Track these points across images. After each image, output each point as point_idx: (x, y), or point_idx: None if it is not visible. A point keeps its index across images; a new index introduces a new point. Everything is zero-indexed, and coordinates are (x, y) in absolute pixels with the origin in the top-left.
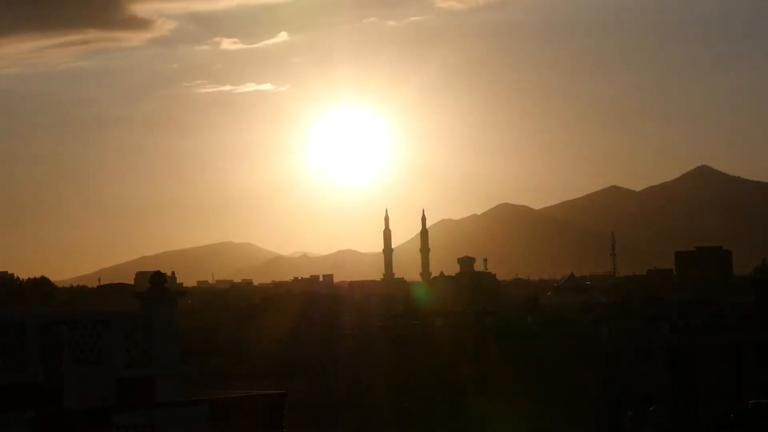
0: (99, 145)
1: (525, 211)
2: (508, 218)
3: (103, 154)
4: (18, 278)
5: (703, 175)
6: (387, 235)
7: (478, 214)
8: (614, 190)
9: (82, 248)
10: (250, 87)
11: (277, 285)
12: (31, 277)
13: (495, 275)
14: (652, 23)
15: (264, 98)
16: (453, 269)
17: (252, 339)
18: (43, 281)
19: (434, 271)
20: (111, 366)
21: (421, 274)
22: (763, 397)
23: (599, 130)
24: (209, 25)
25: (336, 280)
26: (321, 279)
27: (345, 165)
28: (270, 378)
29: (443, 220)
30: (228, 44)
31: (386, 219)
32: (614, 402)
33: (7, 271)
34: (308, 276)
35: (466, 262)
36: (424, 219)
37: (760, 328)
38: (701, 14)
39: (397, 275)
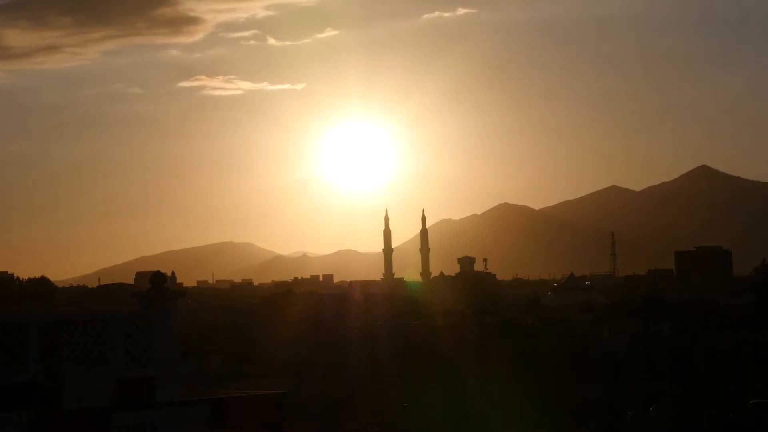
0: (100, 145)
1: (525, 211)
2: (508, 218)
3: (104, 153)
4: (18, 278)
5: (703, 175)
6: (387, 235)
7: (478, 214)
8: (614, 190)
9: (82, 248)
10: (284, 86)
11: (277, 285)
12: (31, 277)
13: (495, 275)
14: (652, 23)
15: (289, 98)
16: (453, 269)
17: (253, 340)
18: (43, 281)
19: (434, 271)
20: (111, 366)
21: (421, 274)
22: (763, 397)
23: (599, 130)
24: (261, 22)
25: (336, 280)
26: (321, 279)
27: (346, 167)
28: (272, 378)
29: (443, 220)
30: (276, 40)
31: (386, 219)
32: (614, 402)
33: (7, 271)
34: (308, 276)
35: (466, 262)
36: (424, 219)
37: (759, 328)
38: (702, 14)
39: (397, 275)
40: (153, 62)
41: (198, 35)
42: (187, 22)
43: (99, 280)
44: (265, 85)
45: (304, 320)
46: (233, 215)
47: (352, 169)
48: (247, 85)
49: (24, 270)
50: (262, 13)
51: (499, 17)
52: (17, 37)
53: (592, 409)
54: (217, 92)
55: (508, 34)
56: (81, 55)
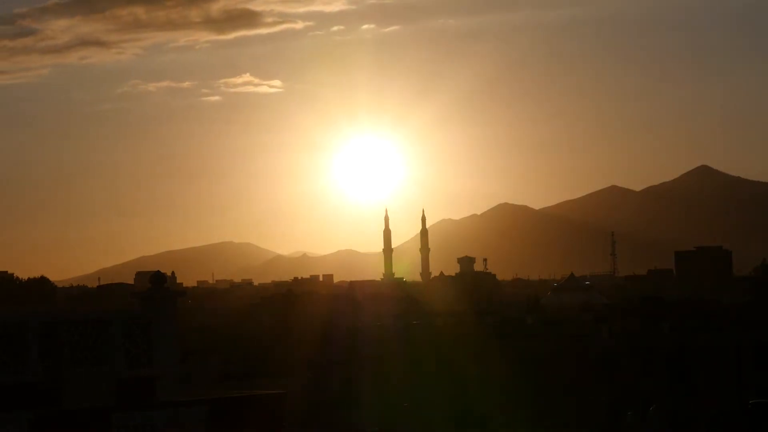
0: (102, 145)
1: (525, 211)
2: (508, 218)
3: (106, 153)
4: (18, 278)
5: (703, 175)
6: (387, 235)
7: (478, 214)
8: (614, 190)
9: (82, 248)
10: (307, 85)
11: (277, 285)
12: (31, 277)
13: (495, 275)
14: (652, 23)
15: (299, 98)
16: (453, 269)
17: (253, 340)
18: (43, 281)
19: (434, 271)
20: (111, 366)
21: (421, 274)
22: (763, 397)
23: (599, 130)
24: (319, 17)
25: (336, 280)
26: (321, 279)
27: (347, 168)
28: (271, 378)
29: (443, 220)
30: (330, 35)
31: (386, 219)
32: (614, 402)
33: (7, 271)
34: (308, 276)
35: (466, 262)
36: (424, 219)
37: (760, 328)
38: (702, 13)
39: (397, 275)
40: (193, 59)
41: (255, 29)
42: (244, 15)
43: (99, 280)
44: (292, 84)
45: (304, 321)
46: (233, 215)
47: (353, 169)
48: (278, 83)
49: (24, 270)
50: (321, 8)
51: (497, 20)
52: (66, 30)
53: (592, 409)
54: (246, 90)
55: (506, 37)
56: (123, 51)
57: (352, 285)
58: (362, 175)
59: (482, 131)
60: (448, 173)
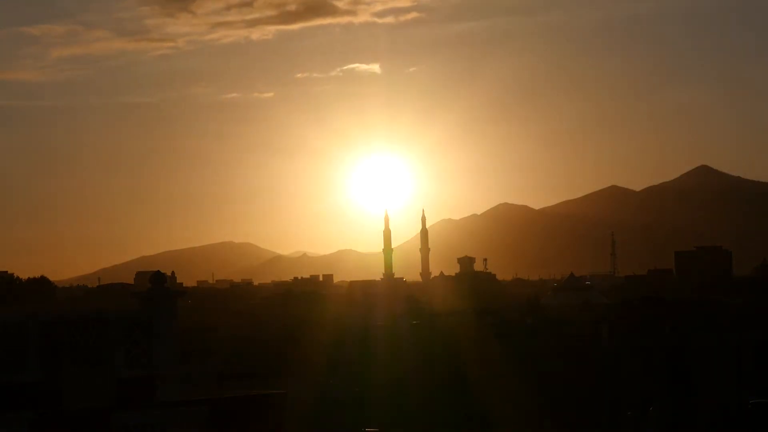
0: (101, 145)
1: (525, 210)
2: (508, 218)
3: (106, 153)
4: (18, 278)
5: (703, 175)
6: (387, 235)
7: (478, 214)
8: (614, 190)
9: (82, 248)
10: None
11: (277, 285)
12: (31, 277)
13: (495, 275)
14: (651, 22)
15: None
16: (453, 269)
17: (253, 340)
18: (43, 281)
19: (434, 271)
20: (111, 366)
21: (421, 274)
22: (763, 397)
23: (599, 130)
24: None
25: (336, 280)
26: (321, 279)
27: (348, 167)
28: (272, 378)
29: (443, 220)
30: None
31: (386, 219)
32: (614, 402)
33: (7, 271)
34: (308, 276)
35: (466, 262)
36: (424, 219)
37: (759, 328)
38: (701, 13)
39: (397, 275)
40: (237, 58)
41: (328, 19)
42: (317, 7)
43: (99, 280)
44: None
45: (304, 321)
46: (233, 215)
47: (354, 169)
48: (325, 78)
49: (24, 270)
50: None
51: (499, 23)
52: (130, 21)
53: (592, 409)
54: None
55: (507, 40)
56: (171, 47)
57: (352, 285)
58: (364, 177)
59: (482, 132)
60: (448, 173)
